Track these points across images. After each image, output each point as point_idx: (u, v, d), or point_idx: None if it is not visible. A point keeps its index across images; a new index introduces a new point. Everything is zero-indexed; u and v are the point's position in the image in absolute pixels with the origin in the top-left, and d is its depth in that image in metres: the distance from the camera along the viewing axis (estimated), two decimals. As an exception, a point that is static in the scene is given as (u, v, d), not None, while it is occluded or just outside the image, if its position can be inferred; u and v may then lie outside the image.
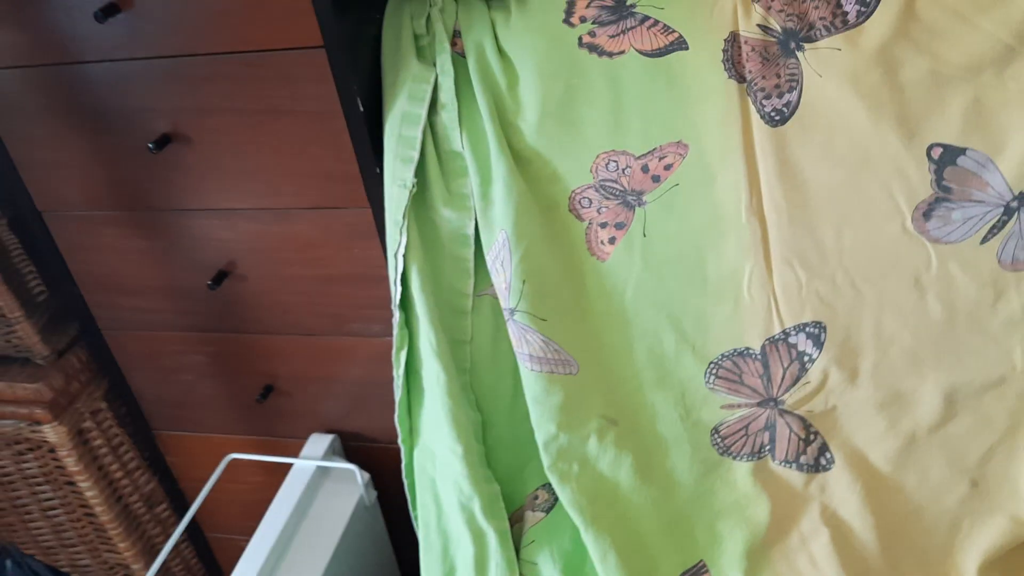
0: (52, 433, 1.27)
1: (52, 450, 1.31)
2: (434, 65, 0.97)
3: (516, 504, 1.03)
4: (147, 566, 1.45)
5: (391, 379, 1.19)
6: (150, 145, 1.03)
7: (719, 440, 1.00)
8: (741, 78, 0.90)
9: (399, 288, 0.99)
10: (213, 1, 0.94)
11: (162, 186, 1.09)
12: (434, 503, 1.01)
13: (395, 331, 1.01)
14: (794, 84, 0.89)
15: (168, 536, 1.49)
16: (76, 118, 1.07)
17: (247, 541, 1.48)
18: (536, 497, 1.02)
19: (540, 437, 0.97)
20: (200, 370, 1.27)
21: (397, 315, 1.00)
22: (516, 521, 1.01)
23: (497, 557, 0.94)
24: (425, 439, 1.02)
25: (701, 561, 0.94)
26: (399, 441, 1.05)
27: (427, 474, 1.02)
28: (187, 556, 1.53)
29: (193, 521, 1.48)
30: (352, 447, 1.29)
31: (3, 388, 1.26)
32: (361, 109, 0.97)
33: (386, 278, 1.09)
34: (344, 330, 1.17)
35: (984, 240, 0.89)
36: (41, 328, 1.25)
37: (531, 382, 0.97)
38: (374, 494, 1.24)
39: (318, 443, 1.26)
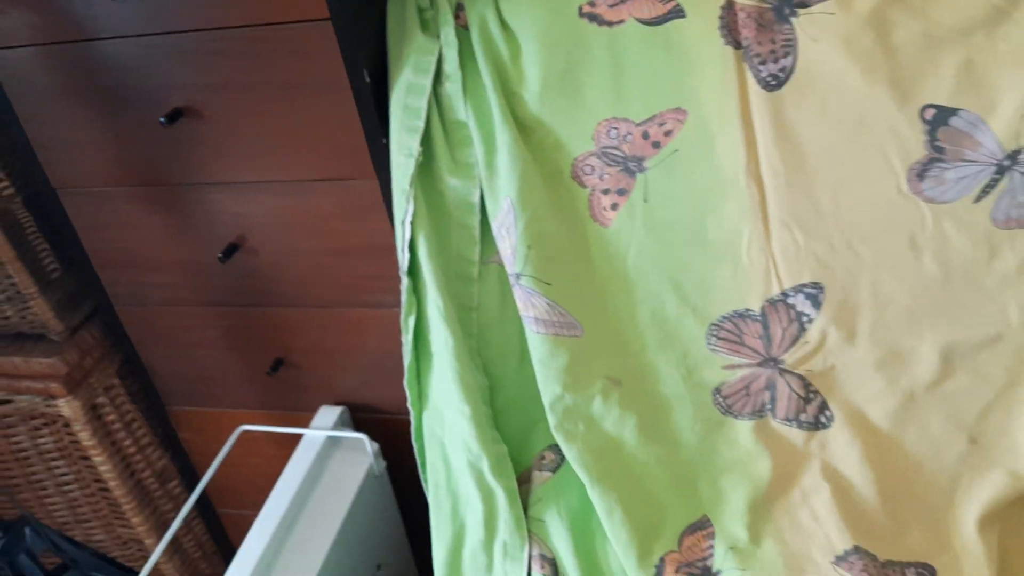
0: (67, 407, 1.30)
1: (67, 425, 1.33)
2: (438, 37, 1.00)
3: (523, 466, 1.05)
4: (159, 541, 1.48)
5: (394, 349, 1.21)
6: (162, 120, 1.05)
7: (720, 400, 1.02)
8: (737, 44, 0.93)
9: (407, 255, 1.02)
10: (223, -25, 0.96)
11: (175, 161, 1.12)
12: (443, 464, 1.04)
13: (403, 297, 1.03)
14: (789, 49, 0.92)
15: (180, 512, 1.52)
16: (90, 95, 1.09)
17: (254, 515, 1.51)
18: (543, 458, 1.04)
19: (546, 398, 1.00)
20: (212, 345, 1.29)
21: (405, 281, 1.03)
22: (524, 482, 1.03)
23: (506, 514, 0.97)
24: (434, 402, 1.05)
25: (705, 516, 0.97)
26: (408, 404, 1.07)
27: (436, 437, 1.05)
28: (198, 532, 1.56)
29: (204, 497, 1.51)
30: (361, 419, 1.31)
31: (19, 363, 1.29)
32: (367, 81, 0.99)
33: (390, 248, 1.12)
34: (355, 302, 1.19)
35: (977, 199, 0.92)
36: (55, 305, 1.28)
37: (537, 344, 0.99)
38: (383, 463, 1.26)
39: (328, 415, 1.28)
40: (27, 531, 1.19)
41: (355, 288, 1.18)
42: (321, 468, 1.24)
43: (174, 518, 1.51)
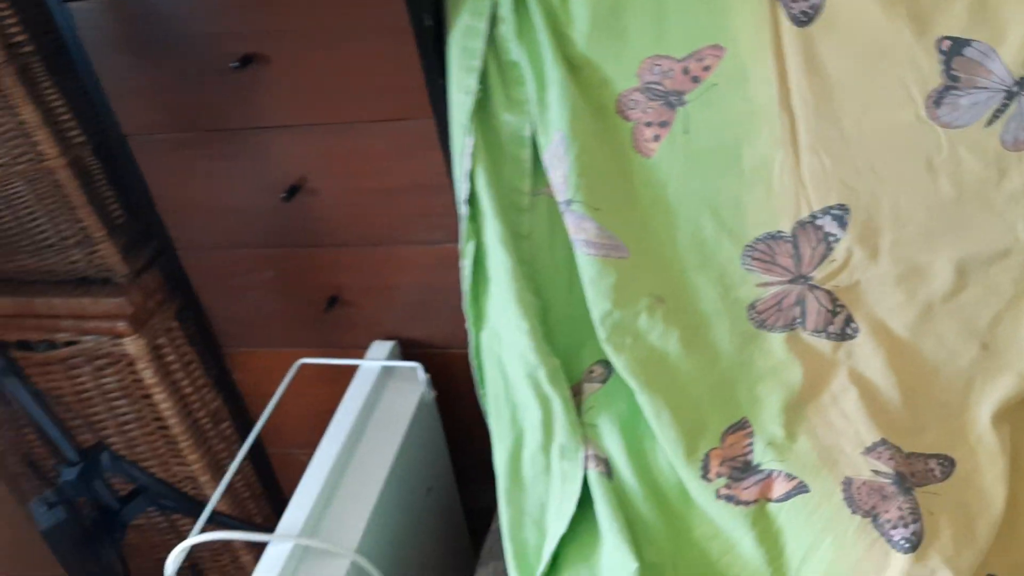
0: (132, 346, 1.38)
1: (131, 364, 1.41)
2: (493, -17, 1.08)
3: (574, 379, 1.14)
4: (213, 479, 1.56)
5: (449, 286, 1.30)
6: (234, 64, 1.13)
7: (755, 315, 1.11)
8: (771, -16, 1.02)
9: (467, 185, 1.10)
10: (296, -74, 1.04)
11: (240, 106, 1.20)
12: (502, 377, 1.12)
13: (463, 225, 1.12)
14: (819, -13, 1.01)
15: (232, 453, 1.60)
16: (161, 44, 1.17)
17: (307, 455, 1.60)
18: (592, 372, 1.13)
19: (596, 314, 1.08)
20: (268, 286, 1.37)
21: (465, 210, 1.11)
22: (575, 393, 1.12)
23: (562, 419, 1.06)
24: (492, 322, 1.14)
25: (744, 418, 1.06)
26: (467, 326, 1.16)
27: (494, 353, 1.13)
28: (247, 472, 1.64)
29: (256, 437, 1.59)
30: (410, 354, 1.40)
31: (88, 303, 1.37)
32: (428, 24, 1.08)
33: (447, 187, 1.20)
34: (406, 239, 1.28)
35: (988, 123, 1.01)
36: (121, 248, 1.36)
37: (587, 265, 1.08)
38: (433, 392, 1.35)
39: (380, 349, 1.37)
40: (103, 457, 1.27)
41: (406, 226, 1.27)
42: (376, 397, 1.32)
43: (226, 457, 1.59)
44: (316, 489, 1.18)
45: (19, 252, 1.38)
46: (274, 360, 1.46)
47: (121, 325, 1.37)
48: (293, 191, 1.25)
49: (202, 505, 1.37)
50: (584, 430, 1.07)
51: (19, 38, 1.18)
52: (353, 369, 1.37)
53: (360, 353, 1.39)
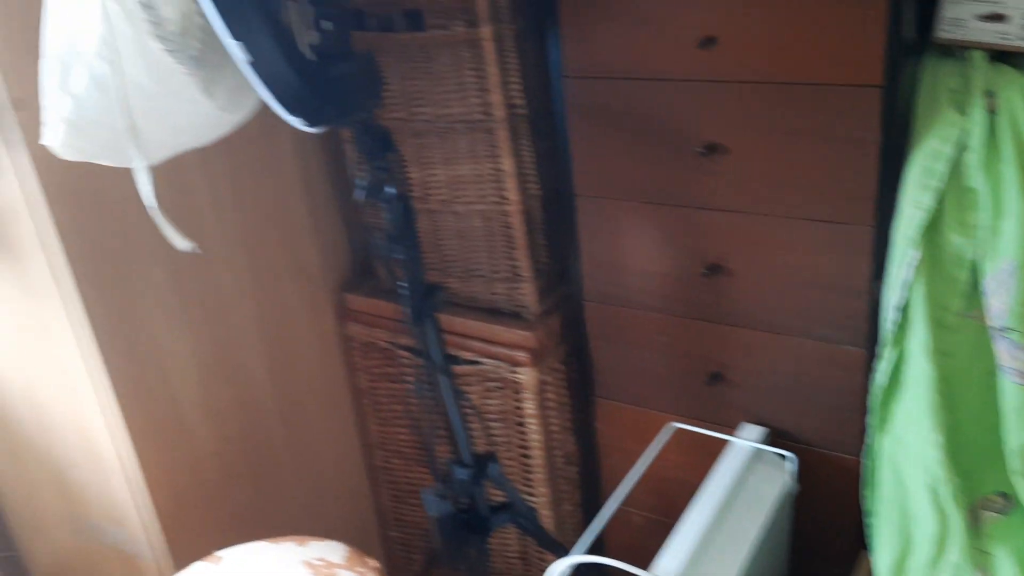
0: (525, 376, 1.55)
1: (518, 392, 1.58)
2: (965, 115, 1.15)
3: (969, 503, 1.14)
4: (553, 512, 1.68)
5: (834, 386, 1.35)
6: (699, 150, 1.28)
7: None
8: None
9: (903, 294, 1.16)
10: (794, 38, 1.18)
11: (691, 187, 1.34)
12: (897, 484, 1.15)
13: (890, 330, 1.18)
14: None
15: (573, 495, 1.72)
16: (635, 123, 1.35)
17: (639, 515, 1.68)
18: (992, 500, 1.13)
19: (1014, 444, 1.09)
20: (658, 349, 1.50)
21: (896, 316, 1.17)
22: (969, 517, 1.12)
23: (958, 538, 1.07)
24: (897, 428, 1.17)
25: None
26: (868, 423, 1.20)
27: (893, 458, 1.17)
28: (578, 518, 1.75)
29: (596, 484, 1.70)
30: (775, 443, 1.45)
31: (499, 331, 1.56)
32: (894, 140, 1.16)
33: (865, 293, 1.27)
34: (805, 332, 1.35)
35: None
36: (538, 289, 1.54)
37: (1013, 394, 1.10)
38: (797, 486, 1.39)
39: (750, 431, 1.43)
40: (491, 467, 1.43)
41: (810, 320, 1.34)
42: (743, 478, 1.38)
43: (567, 497, 1.71)
44: (686, 551, 1.24)
45: (451, 276, 1.61)
46: (640, 418, 1.57)
47: (521, 356, 1.54)
48: (713, 269, 1.37)
49: (548, 534, 1.49)
50: (979, 555, 1.07)
51: (517, 100, 1.41)
52: (718, 444, 1.45)
53: (728, 431, 1.46)
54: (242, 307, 1.51)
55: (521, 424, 1.62)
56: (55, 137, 1.02)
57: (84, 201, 1.23)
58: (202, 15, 0.96)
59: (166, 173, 1.31)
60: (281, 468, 1.66)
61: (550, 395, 1.60)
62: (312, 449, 1.73)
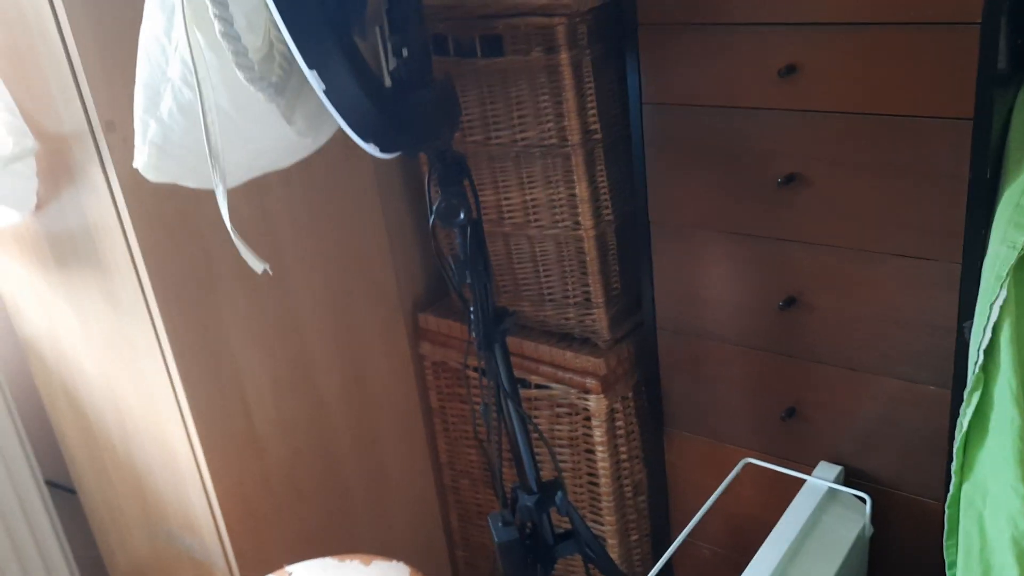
0: (595, 403, 1.53)
1: (587, 419, 1.57)
2: (1061, 149, 1.10)
3: (1060, 560, 1.08)
4: (619, 542, 1.66)
5: (914, 426, 1.30)
6: (779, 180, 1.25)
7: None
8: None
9: (988, 335, 1.11)
10: (879, 68, 1.14)
11: (770, 218, 1.31)
12: (979, 535, 1.09)
13: (974, 372, 1.12)
14: None
15: (640, 525, 1.69)
16: (714, 151, 1.33)
17: (708, 549, 1.64)
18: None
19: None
20: (733, 382, 1.46)
21: (981, 359, 1.12)
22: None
23: (1046, 596, 1.00)
24: (979, 476, 1.12)
25: None
26: (951, 470, 1.15)
27: (975, 507, 1.11)
28: (646, 547, 1.72)
29: (664, 516, 1.67)
30: (850, 483, 1.40)
31: (569, 357, 1.55)
32: (987, 176, 1.12)
33: (950, 331, 1.21)
34: (886, 370, 1.30)
35: None
36: (610, 316, 1.53)
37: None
38: (873, 528, 1.34)
39: (826, 470, 1.39)
40: (558, 495, 1.42)
41: (893, 358, 1.29)
42: (817, 518, 1.34)
43: (634, 527, 1.69)
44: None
45: (523, 299, 1.61)
46: (712, 451, 1.54)
47: (591, 383, 1.53)
48: (790, 302, 1.34)
49: (615, 564, 1.47)
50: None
51: (594, 126, 1.41)
52: (792, 481, 1.40)
53: (802, 468, 1.42)
54: (317, 325, 1.54)
55: (590, 451, 1.61)
56: (143, 159, 1.06)
57: (169, 221, 1.27)
58: (283, 43, 0.99)
59: (247, 195, 1.35)
60: (350, 485, 1.68)
61: (620, 423, 1.58)
62: (382, 467, 1.75)
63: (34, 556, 1.57)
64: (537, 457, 1.57)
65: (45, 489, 1.59)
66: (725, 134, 1.31)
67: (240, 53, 0.97)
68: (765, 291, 1.36)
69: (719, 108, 1.29)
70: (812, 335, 1.35)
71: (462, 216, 1.18)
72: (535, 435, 1.38)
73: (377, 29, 1.13)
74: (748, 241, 1.35)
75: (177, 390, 1.35)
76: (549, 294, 1.58)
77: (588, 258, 1.48)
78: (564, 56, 1.35)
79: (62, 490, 1.70)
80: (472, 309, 1.24)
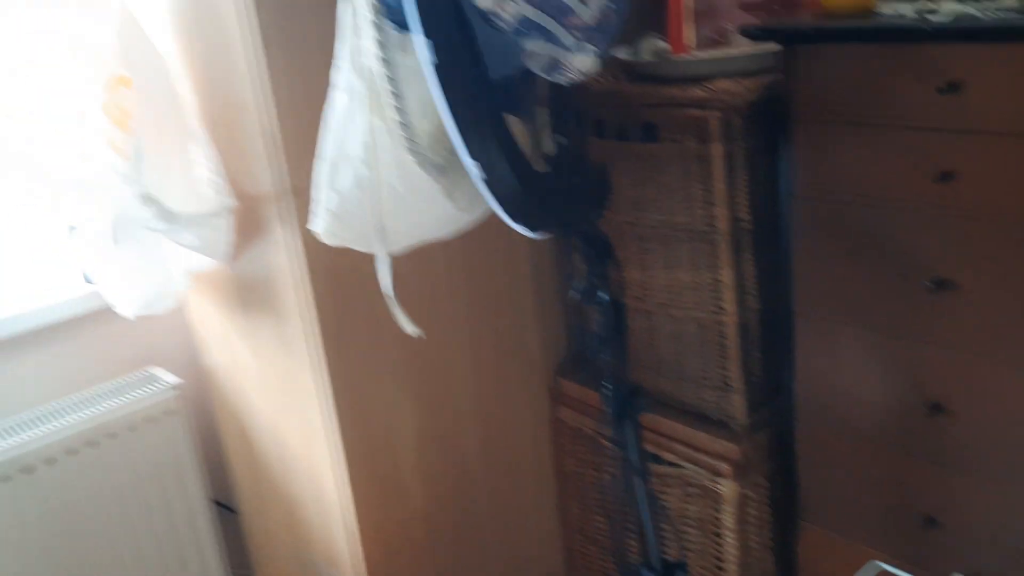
0: (727, 487, 1.54)
1: (717, 502, 1.57)
2: None
3: None
4: (742, 634, 1.64)
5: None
6: (927, 284, 1.24)
7: None
8: None
9: None
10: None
11: (918, 319, 1.29)
12: None
13: None
14: None
15: (765, 616, 1.66)
16: (863, 245, 1.32)
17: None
18: None
19: None
20: (871, 481, 1.43)
21: None
22: None
23: None
24: None
25: None
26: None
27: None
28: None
29: (792, 613, 1.63)
30: (990, 604, 1.34)
31: (704, 438, 1.56)
32: None
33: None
34: (1035, 488, 1.24)
35: None
36: (747, 401, 1.54)
37: None
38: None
39: (963, 586, 1.33)
40: (679, 574, 1.42)
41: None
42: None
43: (760, 619, 1.65)
44: None
45: (662, 376, 1.64)
46: (844, 550, 1.50)
47: (724, 466, 1.53)
48: (936, 408, 1.30)
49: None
50: None
51: (743, 215, 1.44)
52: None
53: (937, 580, 1.37)
54: (464, 385, 1.63)
55: (718, 535, 1.60)
56: (320, 224, 1.18)
57: (342, 279, 1.40)
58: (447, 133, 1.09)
59: (412, 261, 1.47)
60: (484, 537, 1.75)
61: (751, 510, 1.57)
62: (515, 523, 1.81)
63: (195, 563, 1.72)
64: (665, 535, 1.59)
65: (211, 506, 1.75)
66: (876, 232, 1.31)
67: (412, 139, 1.08)
68: (908, 393, 1.34)
69: (871, 206, 1.30)
70: (956, 443, 1.31)
71: (603, 295, 1.24)
72: (663, 514, 1.40)
73: (540, 111, 1.22)
74: (894, 340, 1.33)
75: (331, 431, 1.47)
76: (688, 374, 1.60)
77: (729, 343, 1.50)
78: (716, 147, 1.39)
79: (225, 509, 1.86)
80: (606, 385, 1.29)
